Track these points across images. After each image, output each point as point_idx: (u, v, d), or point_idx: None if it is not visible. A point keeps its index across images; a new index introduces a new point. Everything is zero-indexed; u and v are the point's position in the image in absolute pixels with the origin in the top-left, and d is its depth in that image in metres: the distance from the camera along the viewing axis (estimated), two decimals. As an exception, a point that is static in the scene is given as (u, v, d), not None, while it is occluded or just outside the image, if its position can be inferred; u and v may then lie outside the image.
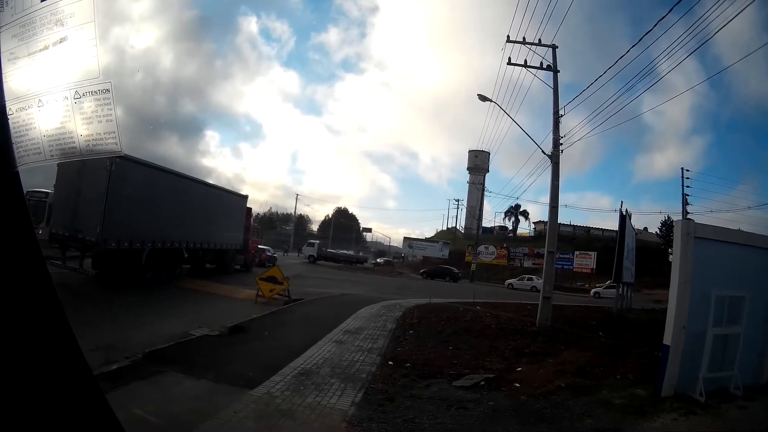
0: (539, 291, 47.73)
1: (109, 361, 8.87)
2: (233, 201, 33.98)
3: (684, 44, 14.14)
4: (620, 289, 26.44)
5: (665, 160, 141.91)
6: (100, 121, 3.94)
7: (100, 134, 3.84)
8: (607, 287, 45.70)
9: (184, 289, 22.24)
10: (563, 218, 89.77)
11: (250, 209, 38.16)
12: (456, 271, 65.90)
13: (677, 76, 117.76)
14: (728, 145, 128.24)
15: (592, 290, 52.15)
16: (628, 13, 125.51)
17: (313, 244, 69.56)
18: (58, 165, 19.11)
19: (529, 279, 57.65)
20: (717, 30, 12.93)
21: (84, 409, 2.52)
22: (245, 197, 36.27)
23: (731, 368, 9.89)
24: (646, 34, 14.84)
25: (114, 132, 3.95)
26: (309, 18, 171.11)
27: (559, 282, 53.63)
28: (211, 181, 35.22)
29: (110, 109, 4.00)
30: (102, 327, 11.86)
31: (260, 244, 44.33)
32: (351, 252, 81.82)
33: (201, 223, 28.11)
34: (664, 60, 16.39)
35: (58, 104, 3.80)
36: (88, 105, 3.88)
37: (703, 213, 46.79)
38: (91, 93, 3.88)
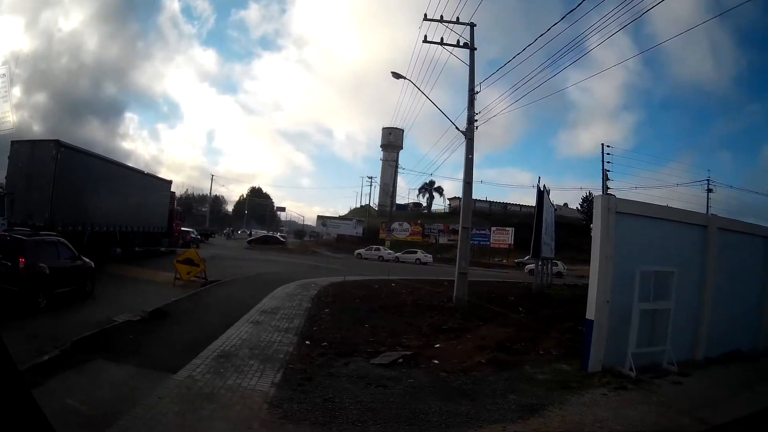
0: (385, 260, 49.44)
1: (41, 352, 8.84)
2: (160, 186, 35.81)
3: (616, 19, 14.18)
4: (539, 265, 26.97)
5: (591, 136, 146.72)
6: None
7: None
8: (525, 262, 46.68)
9: (105, 273, 21.40)
10: (480, 194, 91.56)
11: (173, 193, 40.75)
12: (281, 238, 72.57)
13: (608, 54, 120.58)
14: (661, 123, 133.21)
15: (527, 267, 52.97)
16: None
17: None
18: (9, 157, 22.18)
19: (377, 249, 62.12)
20: (650, 7, 12.97)
21: (9, 407, 2.41)
22: (169, 182, 38.53)
23: (663, 343, 9.95)
24: (573, 9, 14.59)
25: (8, 111, 3.87)
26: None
27: (477, 258, 54.76)
28: (130, 164, 36.79)
29: (6, 92, 3.85)
30: (31, 316, 12.47)
31: (183, 227, 45.98)
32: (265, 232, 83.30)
33: (132, 208, 29.88)
34: (593, 35, 16.47)
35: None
36: None
37: (628, 189, 48.17)
38: None
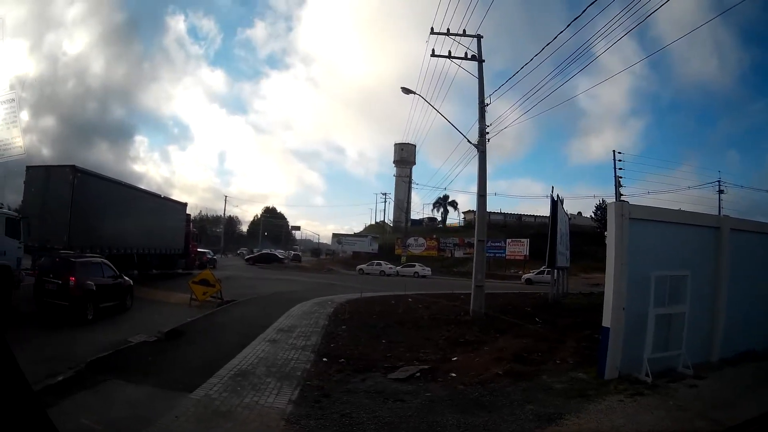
0: (387, 275, 50.19)
1: (55, 373, 8.77)
2: (175, 209, 36.60)
3: (621, 23, 14.14)
4: (555, 275, 26.84)
5: (601, 143, 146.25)
6: (8, 128, 3.88)
7: (7, 139, 3.87)
8: (539, 272, 46.59)
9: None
10: (495, 206, 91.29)
11: (189, 215, 41.03)
12: (281, 256, 73.48)
13: (614, 60, 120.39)
14: (669, 126, 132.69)
15: (524, 276, 53.19)
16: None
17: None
18: (25, 182, 22.86)
19: (378, 264, 63.35)
20: (655, 9, 12.92)
21: (26, 426, 2.46)
22: (185, 204, 39.16)
23: (678, 347, 9.88)
24: (578, 16, 14.58)
25: (18, 137, 3.91)
26: (236, 13, 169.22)
27: (493, 270, 54.65)
28: (144, 187, 36.84)
29: (15, 116, 3.91)
30: (46, 338, 12.53)
31: (199, 248, 46.72)
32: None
33: (149, 230, 30.48)
34: (600, 41, 16.34)
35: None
36: None
37: (640, 195, 47.91)
38: (1, 103, 3.91)
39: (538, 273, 48.19)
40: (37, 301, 15.76)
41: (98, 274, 17.31)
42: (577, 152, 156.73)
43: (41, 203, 22.49)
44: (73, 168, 23.19)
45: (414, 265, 61.66)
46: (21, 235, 18.40)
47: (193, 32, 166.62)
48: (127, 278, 19.31)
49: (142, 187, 35.89)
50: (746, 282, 11.37)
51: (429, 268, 60.66)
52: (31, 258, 21.12)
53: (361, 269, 61.11)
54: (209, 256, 50.41)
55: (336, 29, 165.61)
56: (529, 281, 49.69)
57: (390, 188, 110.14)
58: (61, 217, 22.07)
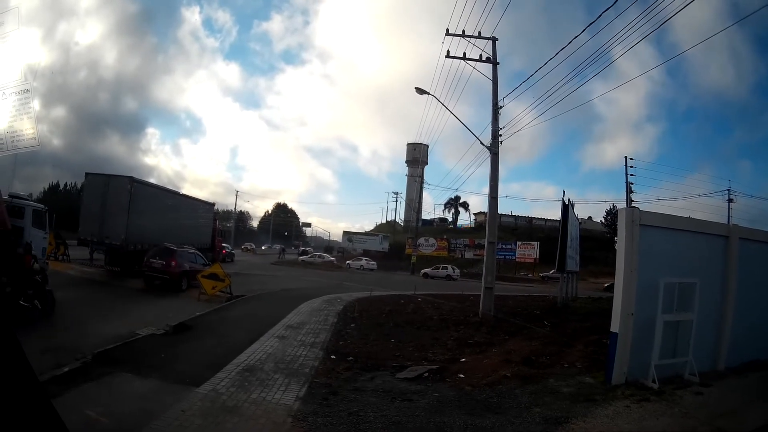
0: (365, 269, 52.38)
1: (61, 364, 8.80)
2: (205, 209, 40.56)
3: (638, 28, 14.03)
4: (564, 278, 26.77)
5: (615, 149, 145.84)
6: (22, 118, 3.90)
7: (20, 130, 3.88)
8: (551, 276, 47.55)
9: (129, 288, 22.59)
10: (506, 209, 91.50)
11: (216, 214, 46.90)
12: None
13: (630, 66, 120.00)
14: (683, 133, 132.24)
15: (542, 274, 56.04)
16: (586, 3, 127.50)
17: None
18: (84, 185, 29.16)
19: (358, 260, 67.30)
20: (673, 13, 12.82)
21: (30, 416, 2.49)
22: (213, 204, 44.00)
23: (685, 354, 9.88)
24: (593, 21, 14.48)
25: (33, 128, 3.92)
26: (253, 5, 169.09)
27: (503, 272, 54.91)
28: (179, 190, 40.70)
29: (29, 107, 3.93)
30: (53, 329, 12.41)
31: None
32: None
33: (184, 228, 34.15)
34: (617, 46, 16.29)
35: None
36: (12, 104, 3.94)
37: (651, 201, 47.94)
38: (15, 93, 3.92)
39: (549, 276, 49.56)
40: (144, 277, 23.25)
41: (191, 260, 24.79)
42: (590, 157, 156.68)
43: (101, 205, 26.47)
44: (131, 179, 27.53)
45: (447, 267, 61.80)
46: (46, 226, 20.36)
47: (209, 24, 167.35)
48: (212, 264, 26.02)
49: (182, 191, 40.08)
50: (754, 291, 11.35)
51: (458, 270, 61.49)
52: (89, 250, 28.26)
53: (425, 273, 60.52)
54: (227, 251, 54.63)
55: (353, 25, 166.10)
56: (546, 278, 55.56)
57: (402, 187, 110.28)
58: (119, 219, 26.03)
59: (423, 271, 61.85)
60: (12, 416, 2.34)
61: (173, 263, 23.15)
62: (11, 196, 18.15)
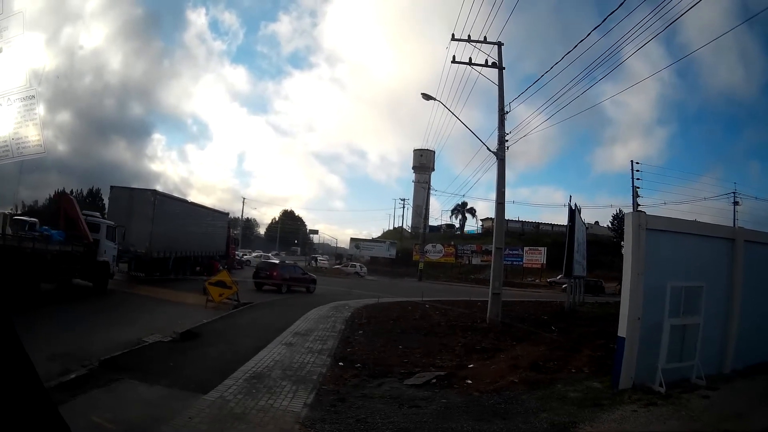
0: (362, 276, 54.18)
1: (67, 371, 8.81)
2: (220, 218, 44.35)
3: (647, 28, 13.95)
4: (571, 283, 26.77)
5: (624, 152, 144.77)
6: (27, 125, 3.92)
7: (26, 137, 3.89)
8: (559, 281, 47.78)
9: (137, 295, 22.75)
10: (513, 215, 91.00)
11: (230, 222, 50.90)
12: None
13: (638, 69, 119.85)
14: (692, 136, 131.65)
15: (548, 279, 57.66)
16: (596, 5, 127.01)
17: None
18: (110, 198, 31.43)
19: (353, 266, 71.04)
20: (682, 13, 12.76)
21: (36, 422, 2.47)
22: (227, 214, 48.90)
23: (692, 358, 9.88)
24: (598, 25, 14.46)
25: (38, 135, 3.94)
26: (260, 7, 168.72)
27: (510, 278, 54.84)
28: (197, 202, 44.30)
29: (35, 113, 3.97)
30: (60, 336, 12.19)
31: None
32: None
33: (202, 237, 37.75)
34: (625, 47, 16.17)
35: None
36: (17, 110, 3.95)
37: (658, 205, 47.87)
38: (20, 99, 3.94)
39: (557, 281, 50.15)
40: (255, 283, 30.34)
41: (292, 271, 33.05)
42: (599, 161, 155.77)
43: (126, 216, 27.90)
44: (155, 192, 31.23)
45: (356, 266, 70.47)
46: (116, 239, 24.22)
47: (215, 27, 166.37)
48: (311, 275, 35.04)
49: (199, 202, 44.05)
50: (760, 293, 11.34)
51: (365, 268, 71.57)
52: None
53: (337, 269, 67.76)
54: (239, 258, 56.83)
55: (362, 29, 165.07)
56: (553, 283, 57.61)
57: (409, 194, 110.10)
58: (144, 229, 28.57)
59: (335, 266, 70.92)
60: (18, 423, 2.34)
61: (275, 274, 31.09)
62: (84, 214, 22.20)
